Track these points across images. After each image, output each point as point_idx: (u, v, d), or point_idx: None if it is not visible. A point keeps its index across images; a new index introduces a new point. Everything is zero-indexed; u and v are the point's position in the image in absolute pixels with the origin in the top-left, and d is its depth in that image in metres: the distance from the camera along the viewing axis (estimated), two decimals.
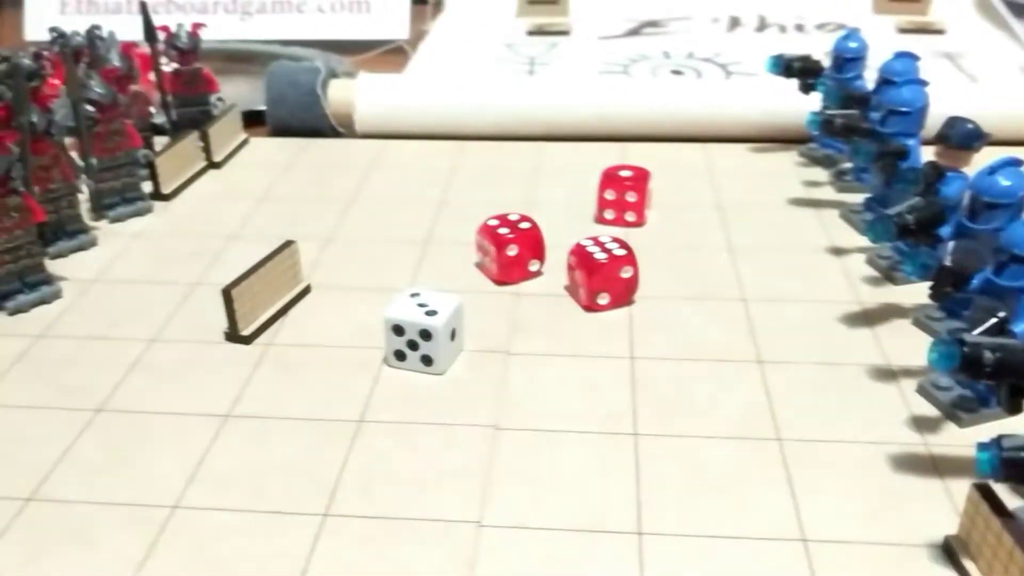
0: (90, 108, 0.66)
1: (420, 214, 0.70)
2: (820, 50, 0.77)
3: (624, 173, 0.66)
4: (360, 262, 0.63)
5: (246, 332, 0.54)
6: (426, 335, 0.50)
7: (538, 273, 0.60)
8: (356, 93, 0.83)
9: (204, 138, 0.77)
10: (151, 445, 0.46)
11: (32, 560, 0.40)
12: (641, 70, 1.01)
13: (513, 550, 0.40)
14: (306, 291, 0.59)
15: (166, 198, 0.72)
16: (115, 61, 0.74)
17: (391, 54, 1.08)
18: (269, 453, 0.46)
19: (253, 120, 0.86)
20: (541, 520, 0.41)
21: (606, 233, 0.59)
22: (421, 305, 0.51)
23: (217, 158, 0.78)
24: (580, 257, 0.57)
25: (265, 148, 0.82)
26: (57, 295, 0.59)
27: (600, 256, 0.56)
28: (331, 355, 0.53)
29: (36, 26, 1.12)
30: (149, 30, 0.77)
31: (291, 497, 0.43)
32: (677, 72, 1.01)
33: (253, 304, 0.55)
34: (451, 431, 0.47)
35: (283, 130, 0.84)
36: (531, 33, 1.15)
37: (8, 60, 0.73)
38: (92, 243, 0.66)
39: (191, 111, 0.80)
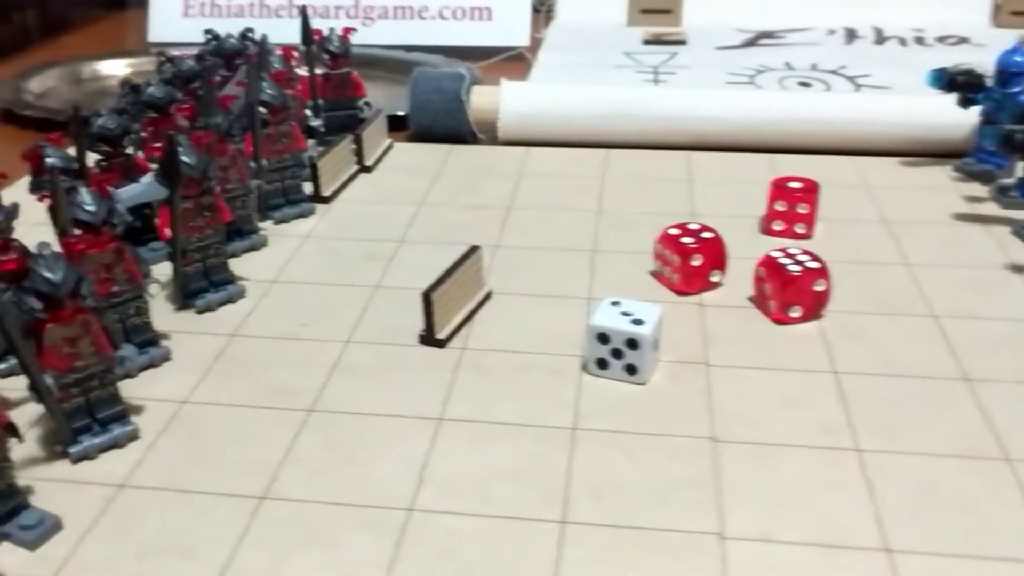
0: (263, 110, 0.67)
1: (580, 222, 0.70)
2: (943, 62, 0.76)
3: (794, 184, 0.66)
4: (532, 269, 0.63)
5: (441, 336, 0.55)
6: (633, 344, 0.50)
7: (718, 284, 0.60)
8: (500, 100, 0.83)
9: (358, 142, 0.77)
10: (371, 446, 0.47)
11: (280, 560, 0.40)
12: (767, 81, 1.01)
13: (761, 563, 0.39)
14: (487, 296, 0.59)
15: (325, 200, 0.73)
16: (276, 64, 0.75)
17: (511, 61, 1.09)
18: (490, 458, 0.46)
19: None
20: (784, 534, 0.41)
21: (775, 245, 0.59)
22: (625, 314, 0.51)
23: (368, 162, 0.79)
24: (772, 269, 0.56)
25: (410, 153, 0.83)
26: (242, 294, 0.60)
27: (794, 268, 0.56)
28: (526, 361, 0.53)
29: (160, 28, 1.15)
30: (306, 33, 0.78)
31: (523, 503, 0.43)
32: (804, 84, 1.00)
33: (446, 308, 0.55)
34: (668, 442, 0.47)
35: (424, 135, 0.85)
36: (647, 42, 1.15)
37: (172, 61, 0.74)
38: (263, 243, 0.66)
39: (339, 115, 0.81)
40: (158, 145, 0.65)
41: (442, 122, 0.83)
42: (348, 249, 0.66)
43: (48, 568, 0.40)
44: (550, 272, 0.63)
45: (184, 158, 0.54)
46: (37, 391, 0.44)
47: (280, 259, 0.65)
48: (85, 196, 0.50)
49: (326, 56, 0.80)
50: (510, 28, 1.10)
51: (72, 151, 0.60)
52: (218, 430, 0.48)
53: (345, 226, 0.70)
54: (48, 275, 0.43)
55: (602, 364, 0.51)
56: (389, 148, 0.83)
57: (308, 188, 0.73)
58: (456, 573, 0.39)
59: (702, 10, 1.22)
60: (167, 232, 0.56)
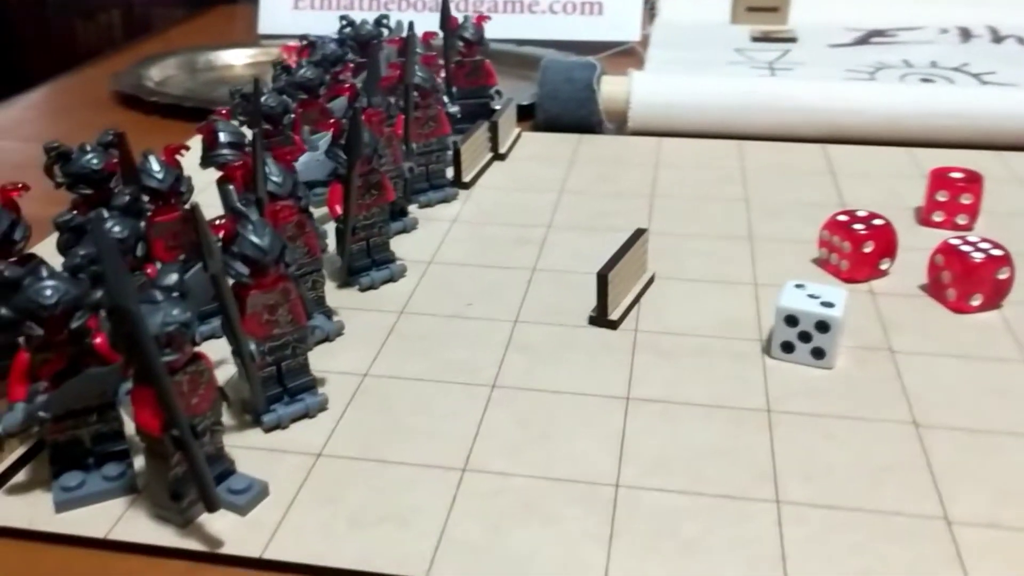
0: (414, 93, 0.67)
1: (730, 211, 0.69)
2: None
3: (955, 175, 0.64)
4: (690, 255, 0.62)
5: (614, 317, 0.54)
6: (823, 327, 0.49)
7: (885, 272, 0.59)
8: (631, 90, 0.83)
9: (493, 129, 0.77)
10: (563, 423, 0.46)
11: (495, 531, 0.39)
12: (887, 77, 0.99)
13: (995, 549, 0.38)
14: (651, 280, 0.58)
15: (465, 186, 0.73)
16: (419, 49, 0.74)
17: (621, 56, 1.08)
18: (689, 437, 0.45)
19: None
20: (1017, 521, 0.39)
21: (938, 236, 0.58)
22: (812, 296, 0.50)
23: (502, 150, 0.78)
24: (952, 256, 0.55)
25: (540, 142, 0.82)
26: (403, 273, 0.60)
27: (976, 256, 0.54)
28: (703, 344, 0.52)
29: (270, 21, 1.16)
30: (445, 20, 0.77)
31: (733, 482, 0.42)
32: (926, 81, 0.98)
33: (617, 290, 0.54)
34: (870, 426, 0.45)
35: (552, 125, 0.84)
36: (756, 39, 1.14)
37: (314, 46, 0.74)
38: (414, 226, 0.66)
39: (470, 103, 0.81)
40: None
41: (572, 111, 0.83)
42: (498, 233, 0.66)
43: (262, 533, 0.39)
44: (709, 258, 0.62)
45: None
46: (241, 356, 0.44)
47: (432, 241, 0.65)
48: (272, 168, 0.50)
49: (460, 43, 0.80)
50: (621, 22, 1.09)
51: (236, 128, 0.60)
52: (405, 403, 0.48)
53: (490, 211, 0.69)
54: (256, 240, 0.43)
55: (787, 347, 0.50)
56: (518, 137, 0.83)
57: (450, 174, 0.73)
58: (678, 549, 0.38)
59: (809, 8, 1.21)
60: (338, 209, 0.56)
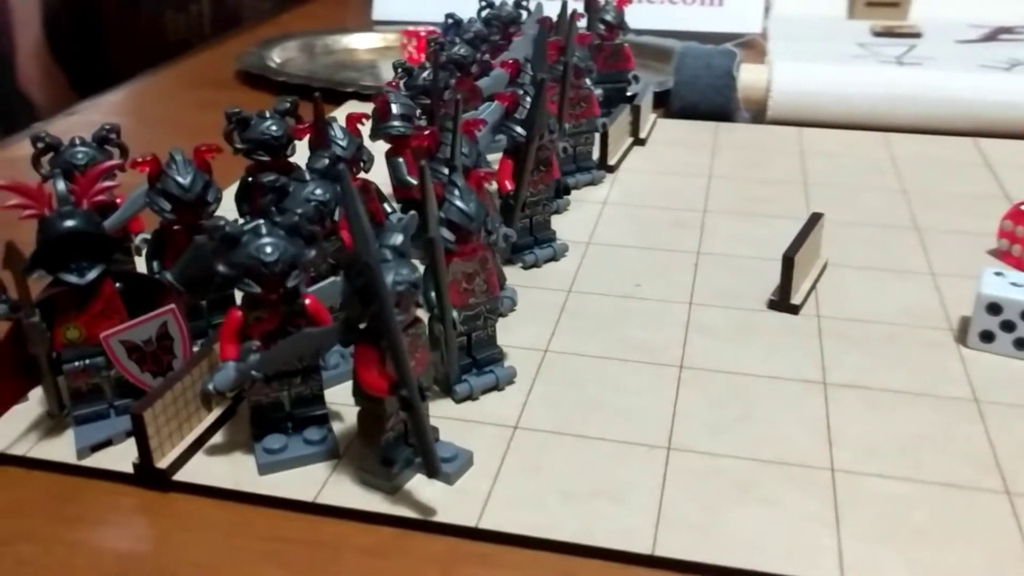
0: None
1: (890, 201, 0.66)
2: None
3: None
4: (856, 242, 0.60)
5: (796, 301, 0.52)
6: None
7: None
8: (772, 78, 0.81)
9: (635, 114, 0.76)
10: (761, 406, 0.44)
11: (713, 511, 0.38)
12: None
13: None
14: (825, 266, 0.57)
15: (610, 169, 0.71)
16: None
17: (741, 48, 1.06)
18: (897, 424, 0.43)
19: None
20: None
21: None
22: (1016, 284, 0.48)
23: (642, 135, 0.77)
24: None
25: (677, 128, 0.81)
26: (564, 252, 0.58)
27: None
28: (891, 331, 0.50)
29: (384, 7, 1.15)
30: (590, 1, 0.76)
31: (955, 471, 0.40)
32: None
33: (797, 275, 0.53)
34: None
35: (688, 112, 0.83)
36: (879, 34, 1.11)
37: (458, 25, 0.74)
38: (566, 207, 0.65)
39: (608, 87, 0.80)
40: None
41: (710, 99, 0.81)
42: (654, 216, 0.64)
43: (473, 502, 0.38)
44: (877, 247, 0.60)
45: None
46: (443, 324, 0.43)
47: (587, 222, 0.63)
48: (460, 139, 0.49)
49: (602, 26, 0.78)
50: (742, 14, 1.07)
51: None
52: (592, 379, 0.47)
53: (640, 194, 0.68)
54: (463, 206, 0.42)
55: (987, 337, 0.48)
56: (654, 123, 0.81)
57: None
58: (910, 537, 0.37)
59: (930, 4, 1.18)
60: (508, 184, 0.55)
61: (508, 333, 0.50)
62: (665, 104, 0.85)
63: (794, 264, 0.51)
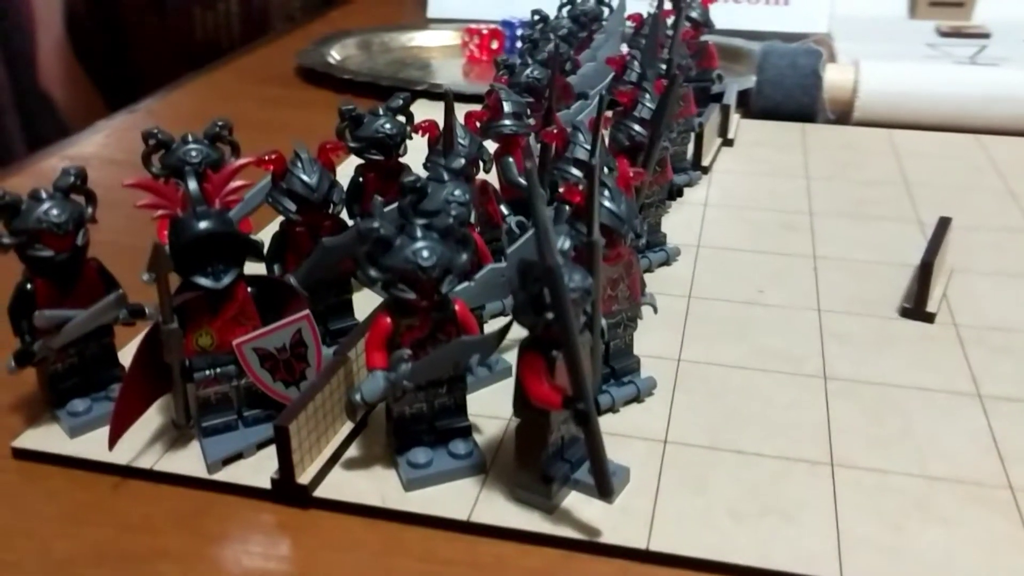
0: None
1: (998, 202, 0.64)
2: None
3: None
4: (978, 247, 0.58)
5: (932, 309, 0.50)
6: None
7: None
8: (858, 78, 0.79)
9: (725, 113, 0.74)
10: (919, 419, 0.42)
11: (898, 531, 0.36)
12: None
13: None
14: (951, 273, 0.54)
15: (704, 170, 0.69)
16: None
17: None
18: None
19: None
20: None
21: None
22: None
23: (730, 135, 0.75)
24: None
25: (763, 129, 0.79)
26: (676, 255, 0.56)
27: None
28: None
29: (439, 5, 1.14)
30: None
31: None
32: None
33: (932, 281, 0.51)
34: None
35: (771, 112, 0.80)
36: (946, 34, 1.09)
37: (545, 21, 0.72)
38: (666, 210, 0.63)
39: (692, 85, 0.77)
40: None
41: (795, 98, 0.79)
42: (759, 218, 0.62)
43: (638, 522, 0.36)
44: (1002, 251, 0.58)
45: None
46: (591, 332, 0.41)
47: (692, 224, 0.61)
48: (581, 139, 0.47)
49: (687, 24, 0.76)
50: (808, 13, 1.05)
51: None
52: (734, 390, 0.44)
53: (740, 195, 0.66)
54: (613, 208, 0.40)
55: None
56: (737, 124, 0.79)
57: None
58: None
59: (995, 4, 1.15)
60: None
61: (636, 341, 0.48)
62: (744, 104, 0.83)
63: (932, 270, 0.49)
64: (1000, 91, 0.77)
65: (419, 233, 0.36)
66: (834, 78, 0.79)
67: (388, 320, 0.37)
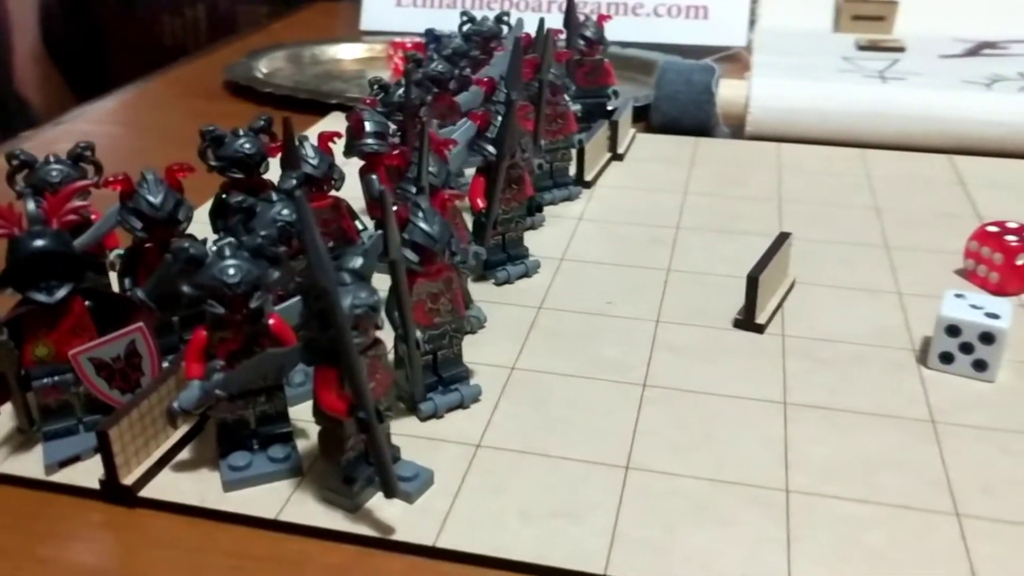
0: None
1: (862, 219, 0.67)
2: None
3: None
4: (828, 262, 0.61)
5: (761, 320, 0.53)
6: (987, 339, 0.48)
7: None
8: (751, 94, 0.81)
9: (613, 129, 0.76)
10: (724, 426, 0.45)
11: (670, 531, 0.38)
12: (1006, 90, 0.96)
13: None
14: (792, 285, 0.57)
15: (587, 185, 0.72)
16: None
17: (725, 61, 1.06)
18: (856, 445, 0.44)
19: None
20: None
21: None
22: (975, 307, 0.49)
23: (620, 150, 0.78)
24: None
25: (657, 144, 0.82)
26: (536, 268, 0.59)
27: None
28: (857, 352, 0.51)
29: (373, 18, 1.16)
30: (569, 19, 0.77)
31: (910, 492, 0.40)
32: None
33: (763, 294, 0.53)
34: None
35: (669, 127, 0.83)
36: (863, 48, 1.12)
37: (439, 40, 0.74)
38: (541, 223, 0.66)
39: (589, 102, 0.80)
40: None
41: (690, 114, 0.82)
42: (628, 232, 0.65)
43: (432, 521, 0.39)
44: (847, 266, 0.60)
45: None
46: (407, 343, 0.43)
47: (561, 238, 0.64)
48: (430, 159, 0.50)
49: (582, 42, 0.79)
50: (727, 27, 1.08)
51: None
52: (556, 398, 0.47)
53: (616, 210, 0.69)
54: (426, 228, 0.43)
55: (946, 358, 0.49)
56: (633, 138, 0.82)
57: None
58: (862, 559, 0.37)
59: (916, 19, 1.18)
60: (480, 203, 0.56)
61: (476, 350, 0.51)
62: (647, 119, 0.86)
63: (758, 284, 0.52)
64: (886, 107, 0.80)
65: (228, 252, 0.39)
66: (727, 94, 0.82)
67: (203, 333, 0.40)
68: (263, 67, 1.02)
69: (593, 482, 0.41)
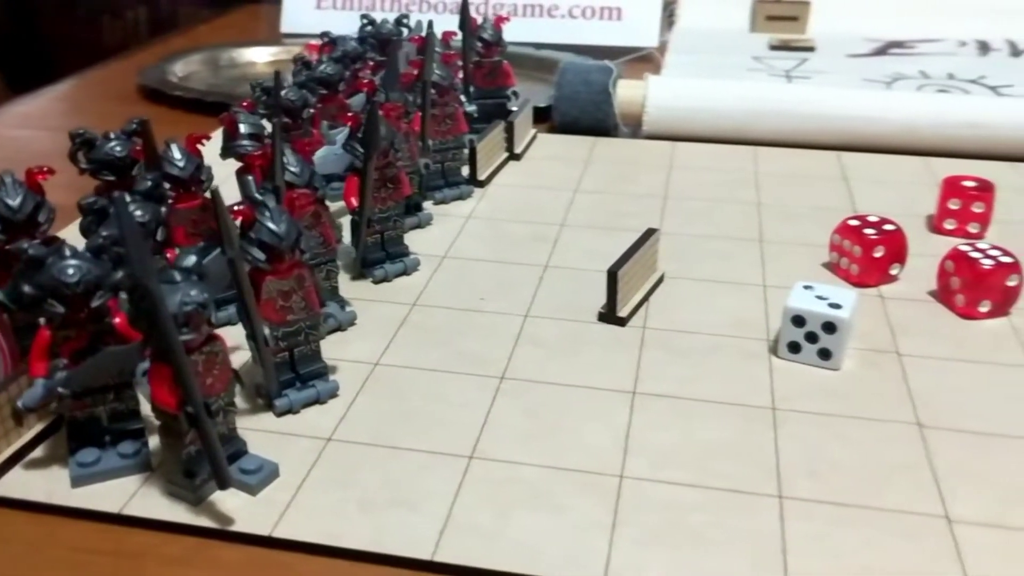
0: (432, 90, 0.68)
1: (743, 214, 0.69)
2: None
3: (968, 184, 0.65)
4: (701, 256, 0.63)
5: (623, 314, 0.54)
6: (830, 328, 0.49)
7: (895, 278, 0.59)
8: (646, 94, 0.83)
9: (509, 130, 0.78)
10: (571, 415, 0.47)
11: (502, 517, 0.40)
12: (904, 88, 0.99)
13: (996, 549, 0.38)
14: (660, 279, 0.59)
15: (480, 184, 0.73)
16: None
17: (639, 61, 1.08)
18: (695, 432, 0.45)
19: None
20: (1018, 520, 0.40)
21: (949, 243, 0.58)
22: (820, 298, 0.51)
23: (517, 150, 0.79)
24: (962, 262, 0.55)
25: (556, 143, 0.83)
26: (416, 266, 0.60)
27: (986, 263, 0.54)
28: (712, 342, 0.53)
29: (293, 20, 1.17)
30: (464, 20, 0.78)
31: (740, 477, 0.42)
32: (943, 91, 0.98)
33: (626, 288, 0.55)
34: (875, 426, 0.46)
35: (569, 127, 0.85)
36: (775, 48, 1.15)
37: (335, 43, 0.75)
38: (428, 221, 0.67)
39: (488, 103, 0.81)
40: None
41: (589, 113, 0.83)
42: (513, 230, 0.66)
43: (272, 512, 0.40)
44: (720, 260, 0.62)
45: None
46: (255, 341, 0.44)
47: (446, 237, 0.65)
48: (291, 158, 0.51)
49: (479, 44, 0.80)
50: (640, 28, 1.10)
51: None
52: (415, 391, 0.48)
53: (505, 209, 0.70)
54: (273, 227, 0.44)
55: (794, 348, 0.51)
56: (534, 138, 0.83)
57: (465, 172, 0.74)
58: (681, 540, 0.39)
59: (829, 19, 1.21)
60: (353, 201, 0.57)
61: (343, 347, 0.52)
62: (549, 119, 0.87)
63: (618, 279, 0.53)
64: (779, 106, 0.82)
65: (67, 252, 0.40)
66: (625, 94, 0.84)
67: (47, 332, 0.41)
68: (179, 70, 1.02)
69: (436, 471, 0.43)
